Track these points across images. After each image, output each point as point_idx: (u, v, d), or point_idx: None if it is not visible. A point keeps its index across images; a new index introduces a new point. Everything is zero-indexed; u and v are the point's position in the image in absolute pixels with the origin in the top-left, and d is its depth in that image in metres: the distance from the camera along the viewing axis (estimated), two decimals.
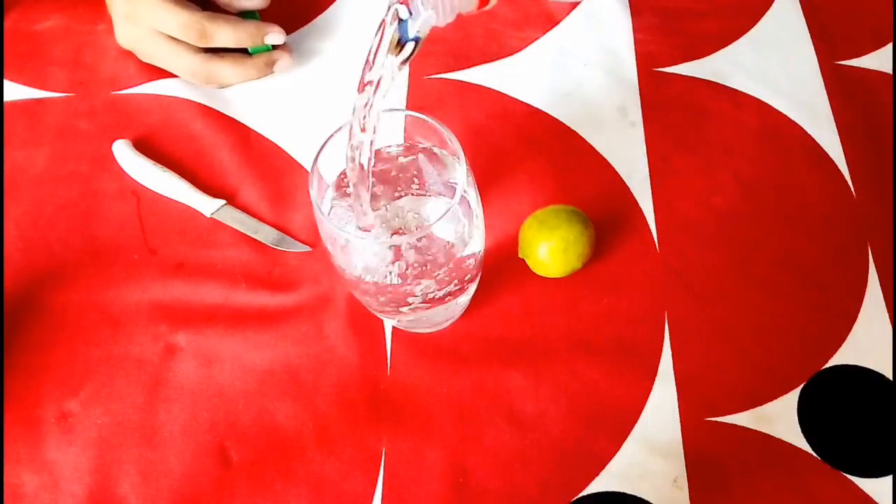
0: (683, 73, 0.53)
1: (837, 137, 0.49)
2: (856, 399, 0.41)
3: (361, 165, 0.33)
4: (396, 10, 0.30)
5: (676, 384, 0.42)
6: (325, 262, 0.45)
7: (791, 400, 0.41)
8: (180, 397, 0.42)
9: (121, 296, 0.45)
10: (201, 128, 0.51)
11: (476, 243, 0.38)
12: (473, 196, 0.36)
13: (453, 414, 0.41)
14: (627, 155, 0.49)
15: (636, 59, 0.53)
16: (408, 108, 0.51)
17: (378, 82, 0.31)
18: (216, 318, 0.44)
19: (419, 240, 0.33)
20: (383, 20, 0.30)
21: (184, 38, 0.49)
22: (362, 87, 0.31)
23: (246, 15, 0.52)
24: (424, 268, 0.36)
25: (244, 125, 0.51)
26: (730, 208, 0.47)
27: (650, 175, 0.49)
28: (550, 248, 0.42)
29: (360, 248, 0.37)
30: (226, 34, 0.49)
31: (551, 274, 0.43)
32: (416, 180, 0.40)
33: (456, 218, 0.36)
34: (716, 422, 0.41)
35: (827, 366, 0.42)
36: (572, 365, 0.42)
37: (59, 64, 0.54)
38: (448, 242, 0.36)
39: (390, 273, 0.36)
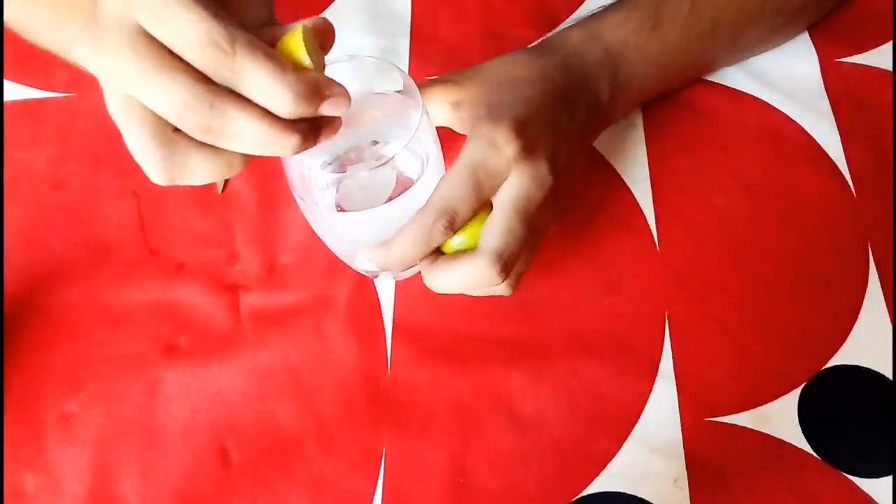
0: None
1: (838, 137, 0.49)
2: (856, 399, 0.41)
3: None
4: None
5: (676, 384, 0.42)
6: (325, 262, 0.45)
7: (791, 400, 0.41)
8: (180, 397, 0.42)
9: (121, 296, 0.45)
10: None
11: (433, 182, 0.38)
12: (430, 138, 0.37)
13: (453, 414, 0.41)
14: (627, 155, 0.49)
15: None
16: None
17: None
18: (216, 319, 0.44)
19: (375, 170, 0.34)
20: None
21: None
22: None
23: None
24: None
25: None
26: (730, 208, 0.47)
27: (650, 175, 0.48)
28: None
29: (321, 181, 0.39)
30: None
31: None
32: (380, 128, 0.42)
33: (414, 157, 0.37)
34: (716, 422, 0.41)
35: (827, 366, 0.42)
36: (572, 365, 0.42)
37: (59, 64, 0.53)
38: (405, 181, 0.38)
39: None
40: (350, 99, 0.30)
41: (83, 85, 0.53)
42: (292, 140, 0.30)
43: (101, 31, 0.29)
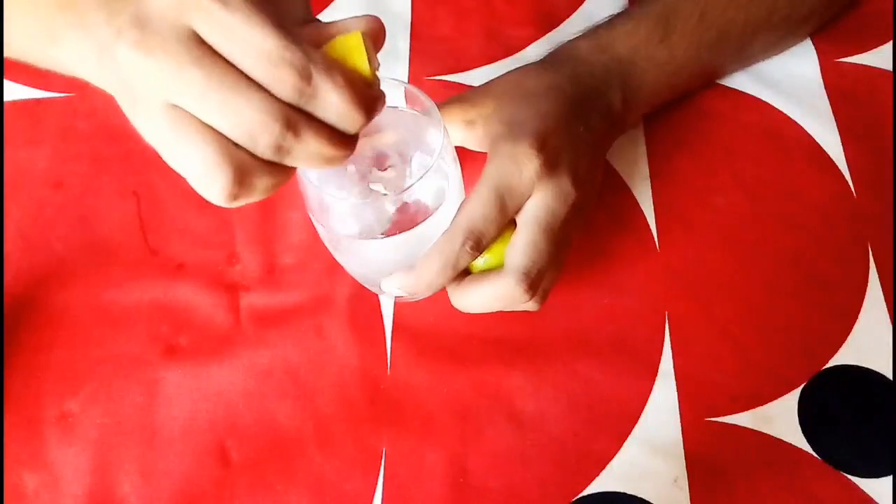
0: None
1: (838, 137, 0.49)
2: (856, 399, 0.41)
3: None
4: None
5: (677, 384, 0.42)
6: (325, 262, 0.45)
7: (791, 400, 0.41)
8: (180, 397, 0.42)
9: (121, 296, 0.45)
10: None
11: (454, 205, 0.38)
12: (450, 159, 0.37)
13: (453, 414, 0.41)
14: (627, 155, 0.49)
15: None
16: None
17: None
18: (216, 319, 0.44)
19: (401, 201, 0.34)
20: None
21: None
22: None
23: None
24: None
25: None
26: (730, 208, 0.47)
27: (650, 175, 0.48)
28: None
29: (348, 209, 0.38)
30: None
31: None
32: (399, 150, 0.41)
33: (435, 180, 0.37)
34: (716, 422, 0.41)
35: (827, 366, 0.42)
36: (572, 365, 0.42)
37: None
38: (426, 205, 0.37)
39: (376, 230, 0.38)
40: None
41: (83, 85, 0.53)
42: (348, 153, 0.29)
43: (150, 32, 0.26)
